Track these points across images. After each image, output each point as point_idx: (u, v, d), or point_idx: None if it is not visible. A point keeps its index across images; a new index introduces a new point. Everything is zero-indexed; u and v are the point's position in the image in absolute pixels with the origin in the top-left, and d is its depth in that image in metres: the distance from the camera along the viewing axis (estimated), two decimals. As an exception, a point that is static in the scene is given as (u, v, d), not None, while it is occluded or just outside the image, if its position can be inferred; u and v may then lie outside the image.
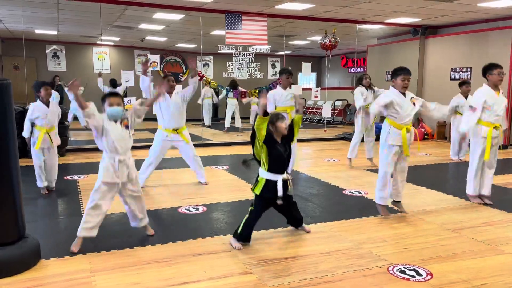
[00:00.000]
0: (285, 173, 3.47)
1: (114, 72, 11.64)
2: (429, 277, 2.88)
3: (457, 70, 9.88)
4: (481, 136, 4.51)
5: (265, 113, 3.27)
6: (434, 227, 3.91)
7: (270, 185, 3.38)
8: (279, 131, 3.37)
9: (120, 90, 10.06)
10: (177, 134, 5.24)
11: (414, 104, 4.10)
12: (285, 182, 3.43)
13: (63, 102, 11.56)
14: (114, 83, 10.46)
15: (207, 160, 7.33)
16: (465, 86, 7.11)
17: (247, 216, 3.45)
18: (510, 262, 3.15)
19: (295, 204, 3.69)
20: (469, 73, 9.59)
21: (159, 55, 10.30)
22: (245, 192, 5.12)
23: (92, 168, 6.43)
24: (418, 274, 2.92)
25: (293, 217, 3.71)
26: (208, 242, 3.49)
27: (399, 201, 4.34)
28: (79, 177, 5.91)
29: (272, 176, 3.38)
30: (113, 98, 3.33)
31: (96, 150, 7.90)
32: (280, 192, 3.35)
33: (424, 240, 3.58)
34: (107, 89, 10.20)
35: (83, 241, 3.28)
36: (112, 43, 14.10)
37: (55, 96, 7.28)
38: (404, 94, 4.09)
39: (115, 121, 3.33)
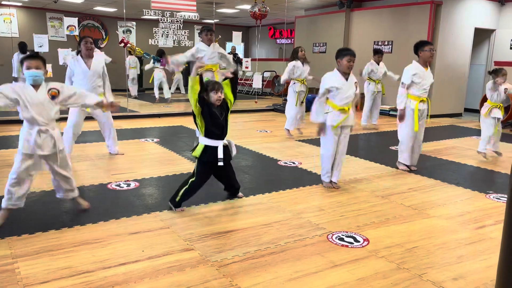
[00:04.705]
0: (225, 140, 3.51)
1: (24, 36, 10.46)
2: (366, 243, 2.99)
3: (379, 44, 10.29)
4: (410, 108, 4.74)
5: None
6: (365, 194, 4.08)
7: (209, 150, 3.42)
8: (211, 101, 3.41)
9: None
10: None
11: (356, 87, 4.11)
12: (225, 147, 3.48)
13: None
14: (23, 47, 9.41)
15: (135, 133, 6.97)
16: (377, 56, 7.69)
17: (186, 186, 3.45)
18: (436, 225, 3.38)
19: (234, 173, 3.78)
20: (391, 46, 10.04)
21: (76, 18, 9.38)
22: (178, 165, 4.94)
23: (2, 143, 5.80)
24: (356, 240, 3.02)
25: (231, 184, 3.79)
26: (143, 219, 3.30)
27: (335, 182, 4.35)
28: (-11, 153, 5.29)
29: (210, 142, 3.42)
30: (31, 60, 3.00)
31: (8, 122, 7.17)
32: (220, 154, 3.40)
33: (358, 207, 3.71)
34: (18, 55, 9.26)
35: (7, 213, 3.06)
36: (19, 4, 12.64)
37: None
38: (347, 75, 4.02)
39: (35, 87, 3.00)
